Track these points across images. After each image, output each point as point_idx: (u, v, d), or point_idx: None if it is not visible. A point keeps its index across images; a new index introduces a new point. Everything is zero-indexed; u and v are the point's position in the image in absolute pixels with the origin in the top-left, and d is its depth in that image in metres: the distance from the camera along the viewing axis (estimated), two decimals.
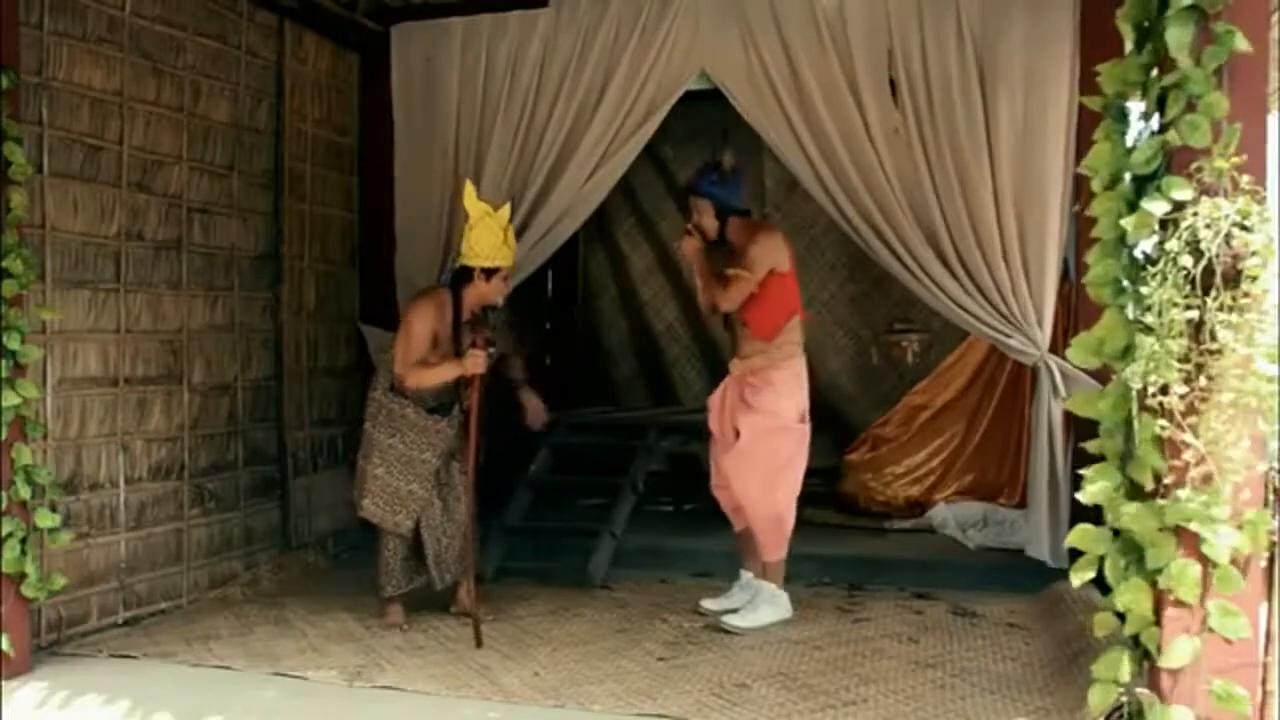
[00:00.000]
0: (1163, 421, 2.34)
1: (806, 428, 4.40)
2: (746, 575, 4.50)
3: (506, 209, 4.31)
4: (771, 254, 4.31)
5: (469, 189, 4.31)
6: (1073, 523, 4.38)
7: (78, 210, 4.20)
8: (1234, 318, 2.27)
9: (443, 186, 5.33)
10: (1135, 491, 2.45)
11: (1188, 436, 2.32)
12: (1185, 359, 2.32)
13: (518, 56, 5.28)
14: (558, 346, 8.45)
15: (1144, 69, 2.47)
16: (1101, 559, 2.50)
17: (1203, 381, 2.31)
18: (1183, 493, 2.34)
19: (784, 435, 4.34)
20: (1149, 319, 2.34)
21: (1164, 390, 2.33)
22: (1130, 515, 2.41)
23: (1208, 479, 2.33)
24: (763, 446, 4.31)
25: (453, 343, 4.28)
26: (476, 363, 4.16)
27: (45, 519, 3.75)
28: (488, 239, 4.19)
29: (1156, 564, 2.39)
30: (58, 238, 4.11)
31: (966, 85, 4.61)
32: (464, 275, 4.30)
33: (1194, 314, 2.30)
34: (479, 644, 4.05)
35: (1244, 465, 2.32)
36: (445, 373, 4.23)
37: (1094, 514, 2.56)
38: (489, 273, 4.23)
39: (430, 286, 4.55)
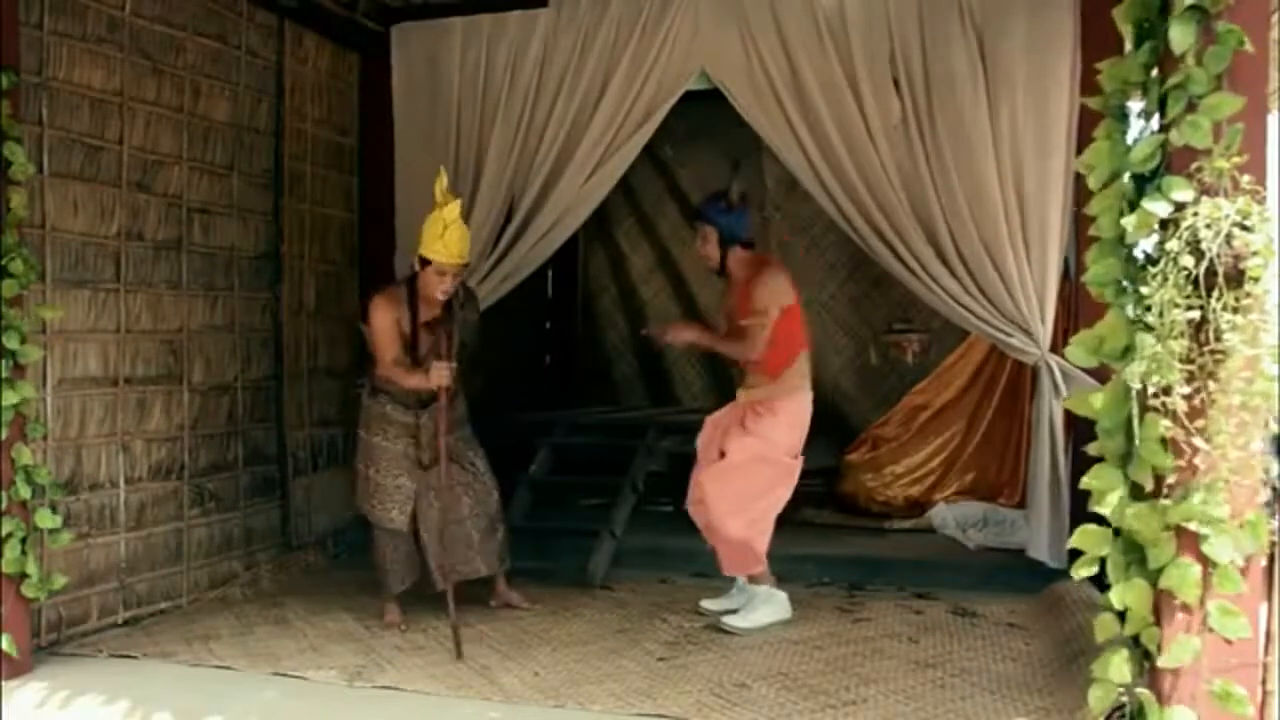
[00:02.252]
0: (1165, 422, 2.34)
1: (796, 465, 4.37)
2: (741, 578, 4.50)
3: (455, 206, 4.19)
4: (777, 294, 4.26)
5: (440, 176, 4.25)
6: (1074, 523, 4.42)
7: (78, 210, 4.20)
8: (1237, 318, 2.27)
9: None
10: (1136, 491, 2.44)
11: (1196, 440, 2.32)
12: (1188, 360, 2.32)
13: (518, 56, 5.29)
14: (558, 346, 8.45)
15: (1144, 68, 2.47)
16: (1103, 559, 2.50)
17: (1211, 385, 2.31)
18: (1184, 493, 2.34)
19: (770, 464, 4.30)
20: (1149, 319, 2.34)
21: (1165, 391, 2.33)
22: (1132, 515, 2.41)
23: (1209, 479, 2.33)
24: (745, 468, 4.27)
25: (412, 331, 4.29)
26: (439, 375, 4.19)
27: (45, 519, 3.75)
28: (429, 230, 4.17)
29: (1157, 564, 2.39)
30: (58, 238, 4.11)
31: (967, 84, 4.61)
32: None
33: (1195, 314, 2.29)
34: (459, 654, 3.93)
35: (1245, 465, 2.32)
36: (413, 382, 4.26)
37: (1095, 514, 2.56)
38: (425, 262, 4.21)
39: (386, 286, 4.55)
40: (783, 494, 4.38)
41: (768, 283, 4.27)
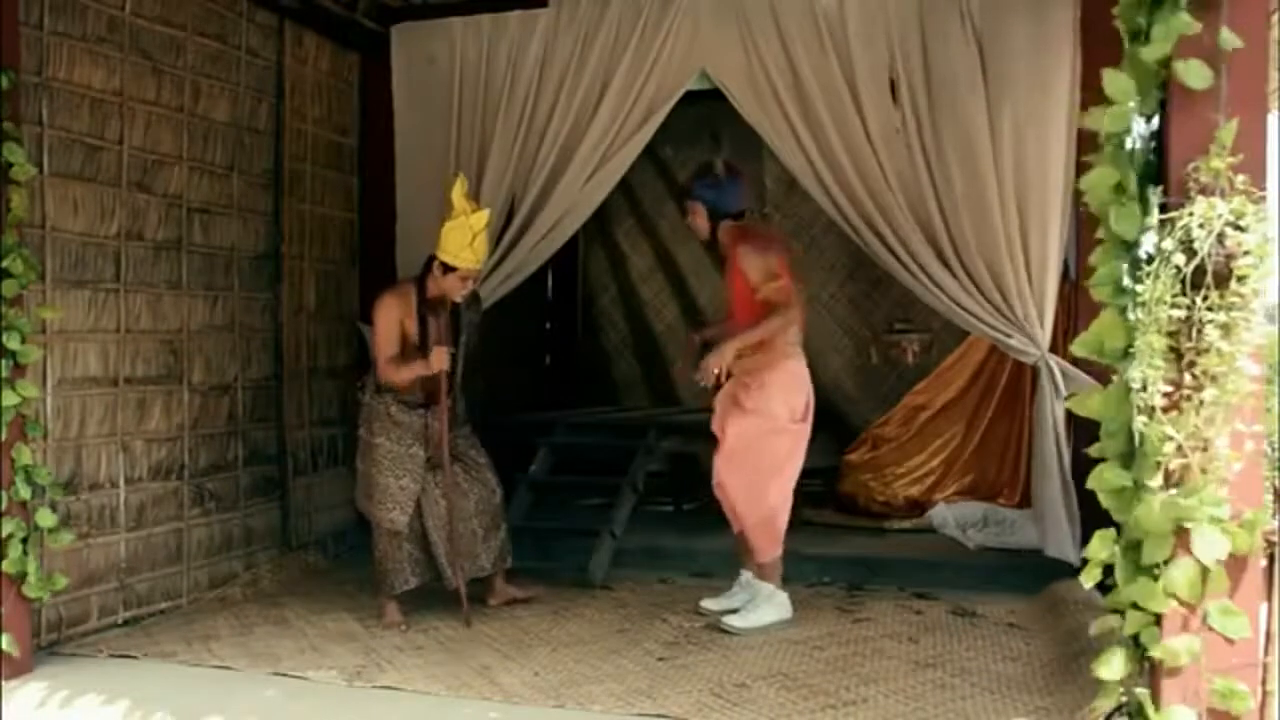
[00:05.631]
0: (1160, 420, 2.35)
1: (803, 427, 4.36)
2: (746, 575, 4.50)
3: (484, 215, 4.26)
4: (767, 265, 4.25)
5: (459, 182, 4.29)
6: (1084, 521, 4.43)
7: (78, 210, 4.20)
8: (1222, 316, 2.28)
9: (444, 187, 5.30)
10: (1139, 490, 2.44)
11: (1170, 431, 2.32)
12: (1178, 357, 2.33)
13: (518, 56, 5.29)
14: (558, 346, 8.45)
15: (1143, 69, 2.47)
16: (1109, 559, 2.50)
17: (1188, 379, 2.32)
18: (1177, 490, 2.34)
19: (775, 437, 4.31)
20: (1141, 316, 2.34)
21: (1158, 389, 2.33)
22: (1132, 515, 2.41)
23: (1204, 478, 2.33)
24: (750, 447, 4.29)
25: (420, 333, 4.31)
26: (440, 359, 4.21)
27: (45, 519, 3.75)
28: (455, 237, 4.18)
29: (1155, 563, 2.39)
30: (58, 238, 4.11)
31: (966, 85, 4.61)
32: (430, 264, 4.32)
33: (1183, 312, 2.30)
34: (468, 623, 4.11)
35: (1232, 464, 2.33)
36: (414, 370, 4.28)
37: (1101, 513, 2.56)
38: (447, 268, 4.24)
39: (394, 283, 4.57)
40: (798, 462, 4.38)
41: (754, 254, 4.26)
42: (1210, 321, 2.28)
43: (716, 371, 4.18)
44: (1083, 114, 3.54)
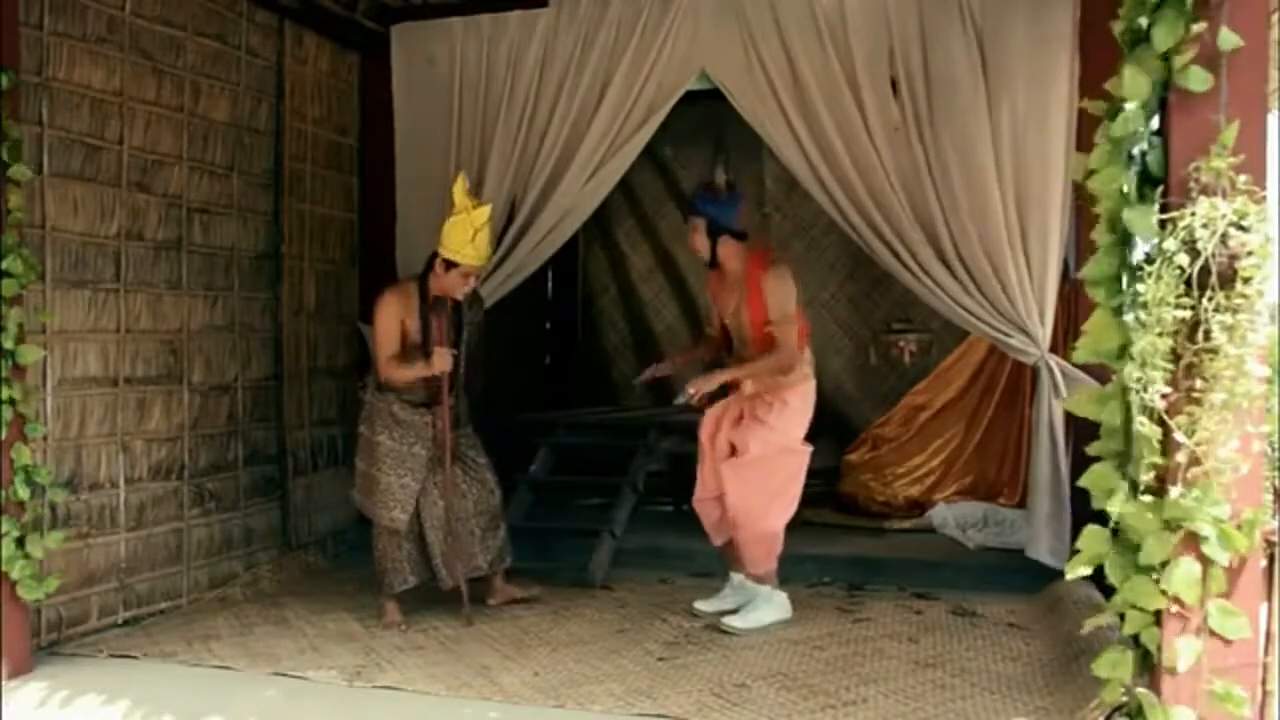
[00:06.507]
0: (1159, 420, 2.35)
1: (808, 451, 4.39)
2: (737, 577, 4.49)
3: (485, 210, 4.26)
4: (793, 293, 4.25)
5: (460, 180, 4.30)
6: (1075, 522, 4.43)
7: (78, 210, 4.20)
8: (1228, 318, 2.27)
9: (444, 187, 5.31)
10: (1136, 491, 2.44)
11: (1179, 436, 2.33)
12: (1178, 357, 2.33)
13: (518, 57, 5.29)
14: (558, 346, 8.46)
15: (1143, 70, 2.47)
16: (1102, 558, 2.50)
17: (1197, 382, 2.32)
18: (1180, 491, 2.34)
19: (790, 455, 4.33)
20: (1142, 316, 2.34)
21: (1156, 389, 2.33)
22: (1130, 515, 2.41)
23: (1203, 479, 2.33)
24: (770, 461, 4.28)
25: (421, 331, 4.31)
26: (442, 360, 4.22)
27: (42, 519, 3.75)
28: (456, 234, 4.20)
29: (1154, 563, 2.39)
30: (58, 238, 4.11)
31: (967, 84, 4.61)
32: (432, 261, 4.32)
33: (1187, 313, 2.30)
34: (469, 622, 4.13)
35: (1236, 465, 2.33)
36: (416, 371, 4.28)
37: (1097, 514, 2.56)
38: (449, 264, 4.25)
39: (395, 281, 4.58)
40: (799, 486, 4.39)
41: (781, 289, 4.24)
42: (1218, 323, 2.28)
43: (693, 393, 4.22)
44: (1083, 101, 3.56)
